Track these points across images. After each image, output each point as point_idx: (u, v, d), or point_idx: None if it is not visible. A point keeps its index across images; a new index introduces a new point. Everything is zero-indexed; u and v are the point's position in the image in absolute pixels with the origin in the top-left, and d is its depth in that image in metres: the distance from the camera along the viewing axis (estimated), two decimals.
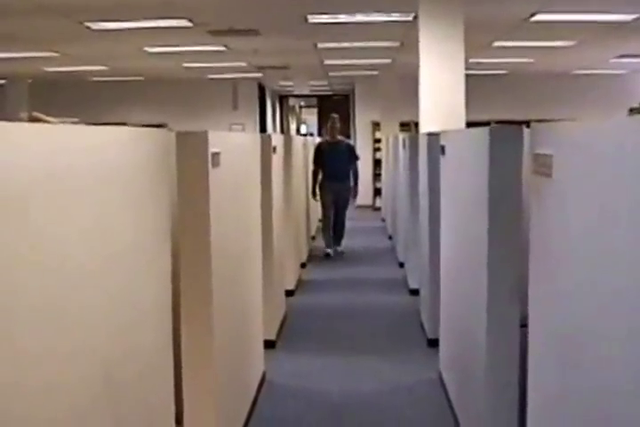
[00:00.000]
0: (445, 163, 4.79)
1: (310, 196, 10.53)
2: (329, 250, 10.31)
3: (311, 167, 10.44)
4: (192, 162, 3.18)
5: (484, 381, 3.36)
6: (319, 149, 10.18)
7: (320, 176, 10.25)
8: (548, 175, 2.07)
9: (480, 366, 3.43)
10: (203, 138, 3.18)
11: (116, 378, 2.15)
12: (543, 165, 2.10)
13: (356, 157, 10.22)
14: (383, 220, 14.12)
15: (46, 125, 1.83)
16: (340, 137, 10.25)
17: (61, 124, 2.16)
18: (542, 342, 2.25)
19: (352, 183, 10.17)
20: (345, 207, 10.31)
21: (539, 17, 9.24)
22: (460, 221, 4.18)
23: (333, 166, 9.99)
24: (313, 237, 11.63)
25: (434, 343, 5.48)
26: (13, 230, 1.52)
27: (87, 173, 1.94)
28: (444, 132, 5.08)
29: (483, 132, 3.24)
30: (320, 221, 12.43)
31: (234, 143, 4.06)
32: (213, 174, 3.26)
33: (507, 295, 3.19)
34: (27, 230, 1.58)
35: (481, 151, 3.28)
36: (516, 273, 3.17)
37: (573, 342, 1.91)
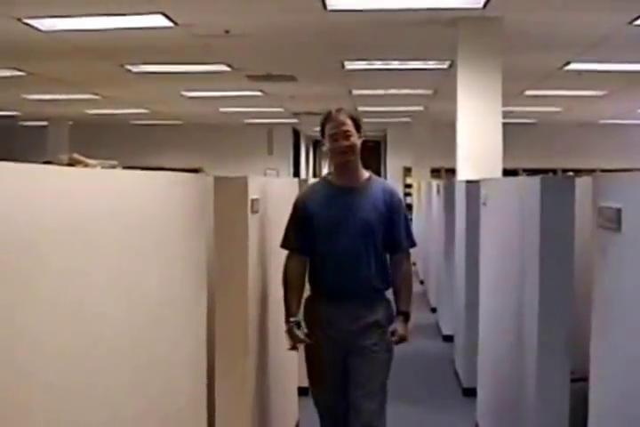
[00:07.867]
0: (486, 211, 4.70)
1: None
2: None
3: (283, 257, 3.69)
4: (231, 208, 3.05)
5: None
6: (304, 209, 3.56)
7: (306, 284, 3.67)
8: (616, 230, 1.98)
9: (528, 419, 3.31)
10: (242, 183, 3.07)
11: None
12: (610, 219, 2.02)
13: (408, 230, 3.61)
14: (414, 263, 14.01)
15: (76, 169, 1.76)
16: (367, 173, 3.63)
17: (94, 168, 2.12)
18: (604, 398, 2.17)
19: (391, 302, 3.62)
20: (381, 381, 3.73)
21: (573, 66, 9.25)
22: (505, 272, 4.06)
23: (343, 256, 3.46)
24: None
25: (470, 393, 5.34)
26: (33, 279, 1.40)
27: (117, 219, 1.82)
28: (485, 180, 5.00)
29: (533, 182, 3.16)
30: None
31: (273, 189, 3.97)
32: (252, 221, 3.15)
33: (558, 350, 3.09)
34: (47, 280, 1.45)
35: (531, 201, 3.19)
36: (567, 327, 3.08)
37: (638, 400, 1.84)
